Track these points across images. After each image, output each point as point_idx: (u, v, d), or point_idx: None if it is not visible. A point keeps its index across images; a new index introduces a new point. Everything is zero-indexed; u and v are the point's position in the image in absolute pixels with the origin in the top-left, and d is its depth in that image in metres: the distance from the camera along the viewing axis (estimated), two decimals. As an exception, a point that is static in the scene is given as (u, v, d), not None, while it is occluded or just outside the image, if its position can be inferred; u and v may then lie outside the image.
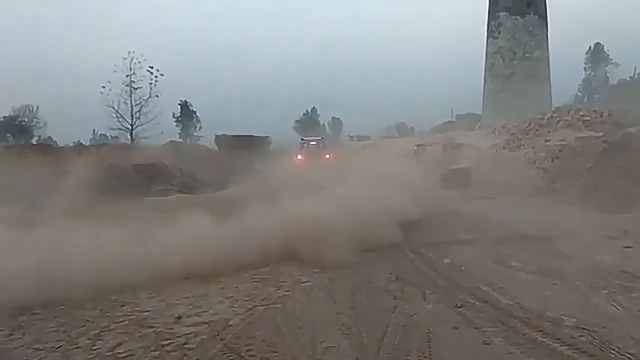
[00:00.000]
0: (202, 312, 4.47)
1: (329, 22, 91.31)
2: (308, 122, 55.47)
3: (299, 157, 20.67)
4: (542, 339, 3.54)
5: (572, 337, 3.54)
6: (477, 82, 31.43)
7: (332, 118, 58.63)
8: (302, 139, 23.60)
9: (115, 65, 29.99)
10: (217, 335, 3.88)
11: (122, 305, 4.71)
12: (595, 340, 3.47)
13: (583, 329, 3.68)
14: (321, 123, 57.63)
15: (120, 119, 30.73)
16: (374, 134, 40.37)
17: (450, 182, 13.14)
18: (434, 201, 9.51)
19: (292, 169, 18.96)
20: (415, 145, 20.37)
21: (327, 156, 20.67)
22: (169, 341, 3.78)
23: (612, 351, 3.30)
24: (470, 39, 49.63)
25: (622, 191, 8.85)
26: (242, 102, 66.26)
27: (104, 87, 29.73)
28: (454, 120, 37.48)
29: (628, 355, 3.22)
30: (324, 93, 66.08)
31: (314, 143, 21.99)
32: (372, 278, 5.42)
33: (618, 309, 4.14)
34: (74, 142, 32.09)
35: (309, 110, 57.10)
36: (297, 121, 56.41)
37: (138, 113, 30.94)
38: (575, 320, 3.86)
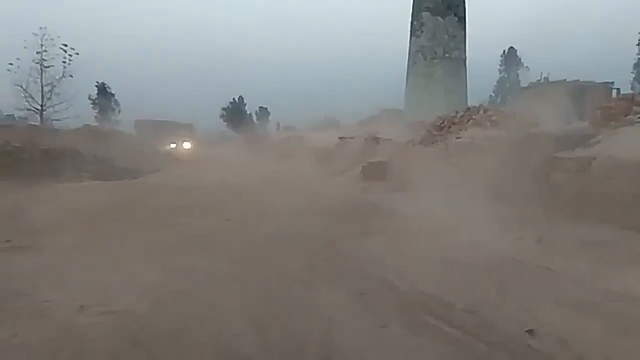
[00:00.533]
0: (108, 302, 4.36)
1: (262, 18, 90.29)
2: (234, 111, 54.77)
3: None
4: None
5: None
6: (402, 79, 32.49)
7: (260, 107, 58.25)
8: None
9: (25, 41, 28.06)
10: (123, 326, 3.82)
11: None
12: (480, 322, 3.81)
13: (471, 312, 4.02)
14: (248, 112, 57.10)
15: (30, 99, 28.81)
16: (302, 126, 40.58)
17: (368, 175, 13.61)
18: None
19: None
20: (338, 138, 20.76)
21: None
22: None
23: (494, 331, 3.64)
24: (397, 36, 51.14)
25: (523, 187, 9.52)
26: (171, 87, 64.11)
27: (11, 64, 27.75)
28: (378, 115, 38.44)
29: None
30: (254, 83, 65.35)
31: None
32: (284, 268, 5.52)
33: (504, 294, 4.53)
34: (-26, 123, 29.61)
35: (236, 99, 56.35)
36: (223, 109, 55.52)
37: (49, 93, 29.12)
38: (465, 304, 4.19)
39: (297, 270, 5.46)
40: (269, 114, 56.98)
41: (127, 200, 10.56)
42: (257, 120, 57.26)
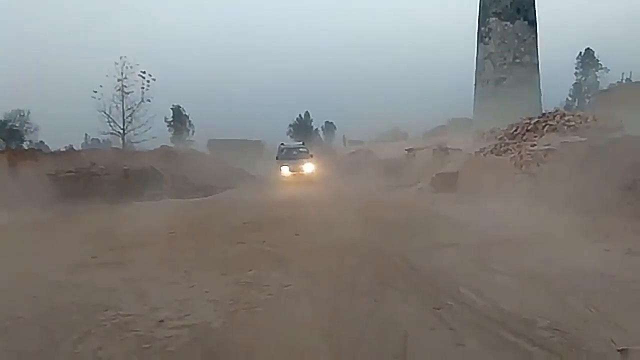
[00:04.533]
0: (185, 315, 4.52)
1: (323, 29, 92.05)
2: (301, 127, 55.62)
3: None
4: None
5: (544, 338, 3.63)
6: (470, 87, 31.66)
7: (326, 122, 58.76)
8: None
9: (108, 70, 30.12)
10: (200, 339, 3.94)
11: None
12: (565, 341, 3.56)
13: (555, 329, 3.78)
14: (314, 128, 57.74)
15: (112, 124, 30.88)
16: (368, 139, 40.66)
17: (438, 186, 13.31)
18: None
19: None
20: (406, 150, 20.53)
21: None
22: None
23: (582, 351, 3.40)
24: (463, 44, 49.96)
25: (605, 195, 8.94)
26: (237, 107, 66.38)
27: (95, 91, 29.88)
28: (446, 125, 37.72)
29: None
30: (319, 98, 66.26)
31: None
32: (355, 282, 5.48)
33: (592, 310, 4.24)
34: (65, 147, 32.08)
35: (302, 115, 57.21)
36: (290, 125, 56.52)
37: (130, 117, 31.08)
38: (548, 321, 3.95)
39: (368, 283, 5.41)
40: (335, 128, 57.40)
41: (201, 216, 10.98)
42: (323, 135, 57.85)
